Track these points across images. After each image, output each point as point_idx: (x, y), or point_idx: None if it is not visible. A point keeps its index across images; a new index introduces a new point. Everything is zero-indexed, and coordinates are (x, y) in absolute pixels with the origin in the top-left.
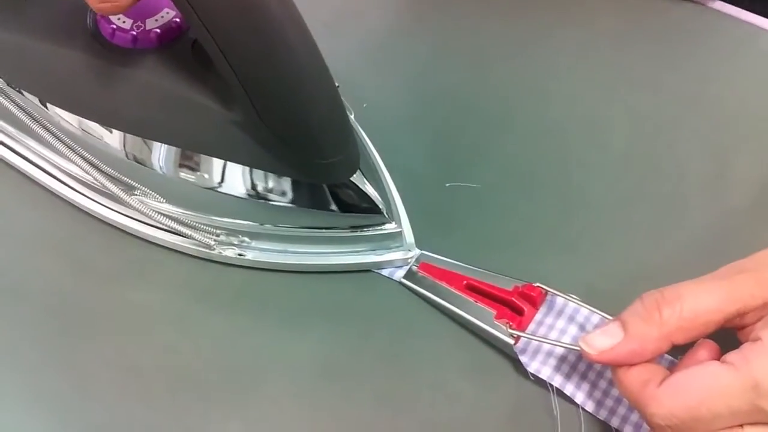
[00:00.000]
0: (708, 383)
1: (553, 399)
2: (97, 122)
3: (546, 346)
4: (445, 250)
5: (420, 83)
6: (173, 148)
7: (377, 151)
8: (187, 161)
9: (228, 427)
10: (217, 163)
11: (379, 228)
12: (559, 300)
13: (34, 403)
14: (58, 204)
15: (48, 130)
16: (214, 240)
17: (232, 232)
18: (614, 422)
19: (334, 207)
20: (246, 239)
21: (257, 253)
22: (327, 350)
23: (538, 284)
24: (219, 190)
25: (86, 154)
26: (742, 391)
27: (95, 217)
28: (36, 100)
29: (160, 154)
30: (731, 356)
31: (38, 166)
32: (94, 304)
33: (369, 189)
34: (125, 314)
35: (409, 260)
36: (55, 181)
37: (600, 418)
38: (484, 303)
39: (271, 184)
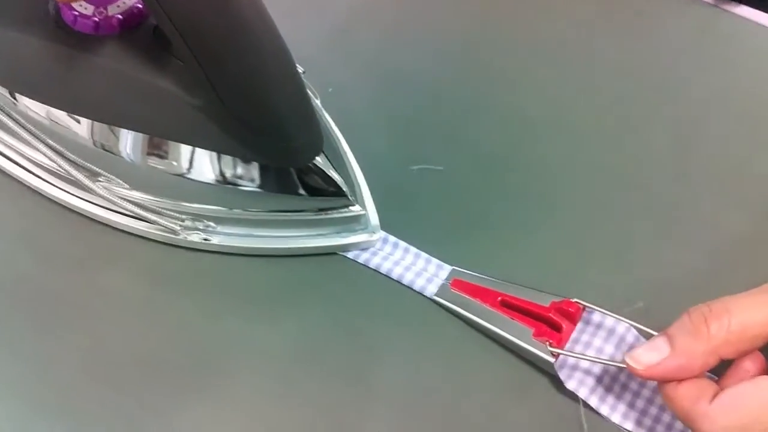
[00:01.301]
0: (762, 399)
1: (582, 415)
2: (60, 109)
3: (583, 364)
4: (408, 232)
5: (385, 68)
6: (137, 134)
7: (342, 135)
8: (151, 147)
9: (198, 411)
10: (181, 149)
11: (343, 211)
12: (597, 314)
13: (1, 390)
14: (23, 192)
15: (12, 117)
16: (180, 225)
17: (197, 217)
18: None
19: (298, 190)
20: (211, 224)
21: (223, 237)
22: (296, 333)
23: (575, 300)
24: (183, 175)
25: (51, 142)
26: None
27: (61, 204)
28: (0, 89)
29: (124, 141)
30: None
31: (3, 154)
32: (60, 291)
33: (333, 172)
34: (92, 300)
35: (375, 242)
36: (20, 169)
37: None
38: (521, 320)
39: (234, 169)
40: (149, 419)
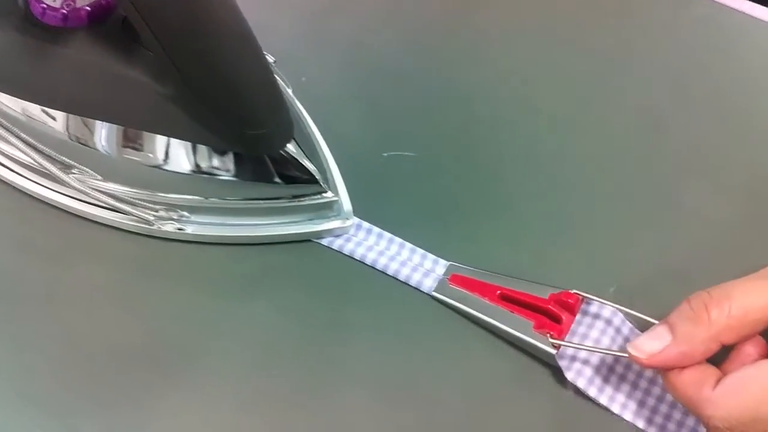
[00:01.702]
0: (765, 382)
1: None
2: (31, 102)
3: (582, 355)
4: (381, 218)
5: (359, 57)
6: (109, 126)
7: (316, 124)
8: (123, 138)
9: (174, 398)
10: (153, 139)
11: (316, 197)
12: (595, 305)
13: None
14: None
15: None
16: (153, 215)
17: (170, 207)
18: (651, 431)
19: (271, 178)
20: (185, 213)
21: (197, 227)
22: (271, 319)
23: (574, 291)
24: (156, 165)
25: (23, 135)
26: None
27: (35, 197)
28: None
29: (97, 132)
30: None
31: None
32: (35, 283)
33: (305, 160)
34: (67, 291)
35: (348, 228)
36: None
37: (639, 426)
38: (521, 313)
39: (207, 158)
40: (126, 408)
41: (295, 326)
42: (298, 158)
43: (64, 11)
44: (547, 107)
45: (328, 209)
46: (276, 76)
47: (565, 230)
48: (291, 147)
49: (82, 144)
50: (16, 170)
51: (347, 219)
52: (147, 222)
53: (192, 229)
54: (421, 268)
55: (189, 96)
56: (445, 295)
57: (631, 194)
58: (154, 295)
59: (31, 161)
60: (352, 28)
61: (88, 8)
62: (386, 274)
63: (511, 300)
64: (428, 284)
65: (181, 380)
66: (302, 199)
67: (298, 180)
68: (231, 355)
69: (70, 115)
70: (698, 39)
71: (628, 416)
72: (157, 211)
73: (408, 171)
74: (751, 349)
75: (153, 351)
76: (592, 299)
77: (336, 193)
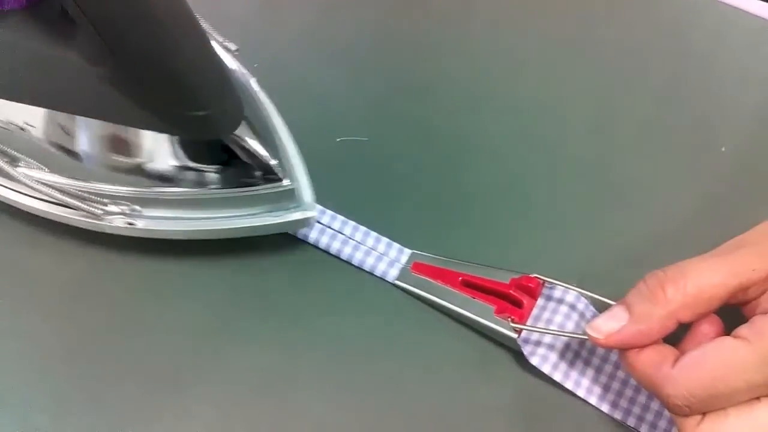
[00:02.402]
0: (723, 359)
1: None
2: None
3: (547, 340)
4: (341, 206)
5: (320, 41)
6: (51, 113)
7: (277, 110)
8: (65, 126)
9: (131, 391)
10: (97, 126)
11: (272, 186)
12: (558, 289)
13: None
14: None
15: None
16: (102, 210)
17: (119, 199)
18: (617, 415)
19: (221, 164)
20: (136, 207)
21: (148, 221)
22: (230, 312)
23: (535, 275)
24: (98, 155)
25: None
26: (758, 364)
27: None
28: None
29: (40, 121)
30: (743, 330)
31: None
32: None
33: (257, 146)
34: (21, 286)
35: (311, 220)
36: None
37: (604, 411)
38: (483, 299)
39: (151, 144)
40: (83, 403)
41: (255, 316)
42: (250, 143)
43: None
44: (506, 93)
45: (287, 200)
46: (236, 64)
47: (526, 216)
48: (245, 133)
49: (21, 131)
50: None
51: (307, 211)
52: (96, 216)
53: (143, 223)
54: (386, 257)
55: (126, 76)
56: (407, 283)
57: (591, 179)
58: (106, 291)
59: None
60: (309, 12)
61: None
62: (351, 264)
63: (472, 286)
64: (393, 274)
65: (139, 374)
66: (257, 188)
67: (251, 166)
68: (185, 346)
69: (12, 103)
70: (680, 32)
71: (593, 400)
72: (105, 205)
73: (365, 159)
74: (707, 327)
75: (109, 346)
76: (553, 283)
77: (294, 181)
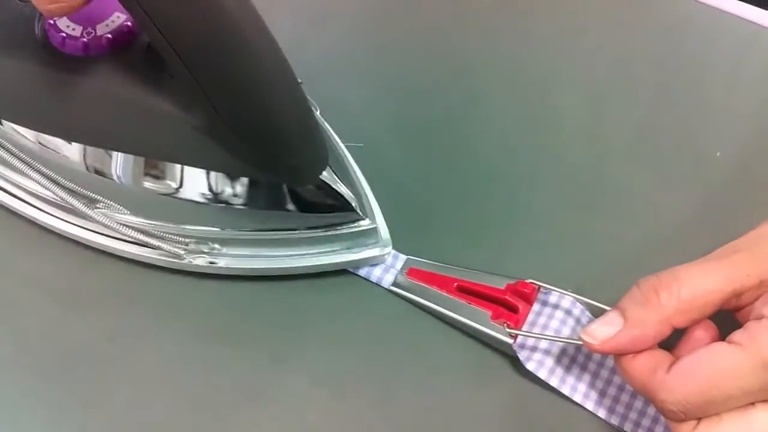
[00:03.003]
0: (717, 365)
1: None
2: (52, 135)
3: (543, 345)
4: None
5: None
6: (134, 157)
7: (346, 147)
8: (149, 169)
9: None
10: (181, 170)
11: (353, 225)
12: (553, 295)
13: None
14: (21, 224)
15: (2, 146)
16: (184, 249)
17: (201, 240)
18: (613, 420)
19: (305, 207)
20: (217, 246)
21: (229, 260)
22: (222, 314)
23: (530, 280)
24: (184, 197)
25: (44, 169)
26: (752, 370)
27: (61, 235)
28: None
29: (121, 164)
30: (737, 336)
31: None
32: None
33: (341, 187)
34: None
35: (386, 257)
36: (15, 199)
37: (601, 416)
38: (478, 304)
39: (237, 188)
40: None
41: (247, 323)
42: (333, 185)
43: (85, 40)
44: (501, 100)
45: (366, 237)
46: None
47: (522, 222)
48: (326, 173)
49: (100, 175)
50: (37, 205)
51: (385, 247)
52: (177, 256)
53: (224, 262)
54: (381, 263)
55: (220, 126)
56: (402, 289)
57: (586, 185)
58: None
59: (54, 196)
60: (302, 19)
61: (110, 36)
62: (346, 270)
63: (468, 291)
64: (388, 279)
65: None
66: (339, 227)
67: (335, 208)
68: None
69: (88, 147)
70: (674, 36)
71: (589, 406)
72: (187, 244)
73: (361, 165)
74: (701, 333)
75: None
76: (548, 288)
77: (373, 219)
